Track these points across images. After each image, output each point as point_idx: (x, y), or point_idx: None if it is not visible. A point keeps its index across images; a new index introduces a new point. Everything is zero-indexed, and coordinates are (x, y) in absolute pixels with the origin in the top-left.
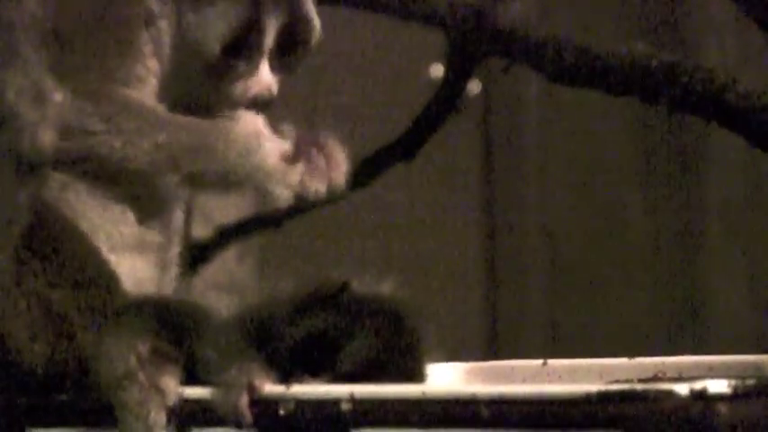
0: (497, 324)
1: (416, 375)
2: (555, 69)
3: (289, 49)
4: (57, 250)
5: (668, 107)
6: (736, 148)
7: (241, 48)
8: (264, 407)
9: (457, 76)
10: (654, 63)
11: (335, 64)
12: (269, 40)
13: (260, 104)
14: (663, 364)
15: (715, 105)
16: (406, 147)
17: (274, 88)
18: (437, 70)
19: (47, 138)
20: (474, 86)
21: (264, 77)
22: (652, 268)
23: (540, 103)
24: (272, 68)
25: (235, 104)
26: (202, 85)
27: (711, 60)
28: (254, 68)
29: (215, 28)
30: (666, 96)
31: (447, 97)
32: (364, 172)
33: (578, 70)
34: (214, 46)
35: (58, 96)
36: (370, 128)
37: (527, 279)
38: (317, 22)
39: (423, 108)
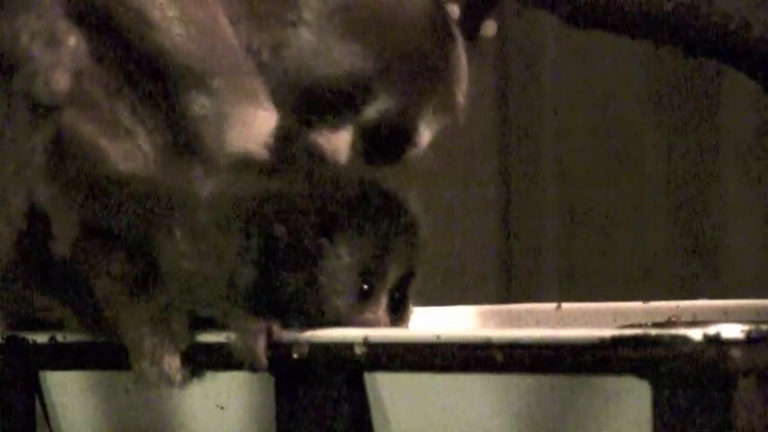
0: (511, 267)
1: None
2: (569, 11)
3: (383, 152)
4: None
5: (682, 50)
6: (751, 89)
7: (341, 96)
8: (278, 351)
9: (472, 18)
10: (668, 6)
11: None
12: (368, 111)
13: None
14: (677, 308)
15: (729, 49)
16: None
17: (341, 156)
18: (452, 11)
19: (61, 81)
20: (489, 28)
21: (339, 138)
22: (667, 211)
23: (557, 46)
24: (353, 144)
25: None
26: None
27: (726, 4)
28: (337, 125)
29: (327, 61)
30: (681, 39)
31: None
32: None
33: (592, 12)
34: (319, 75)
35: (72, 40)
36: None
37: (541, 222)
38: (417, 150)
39: None
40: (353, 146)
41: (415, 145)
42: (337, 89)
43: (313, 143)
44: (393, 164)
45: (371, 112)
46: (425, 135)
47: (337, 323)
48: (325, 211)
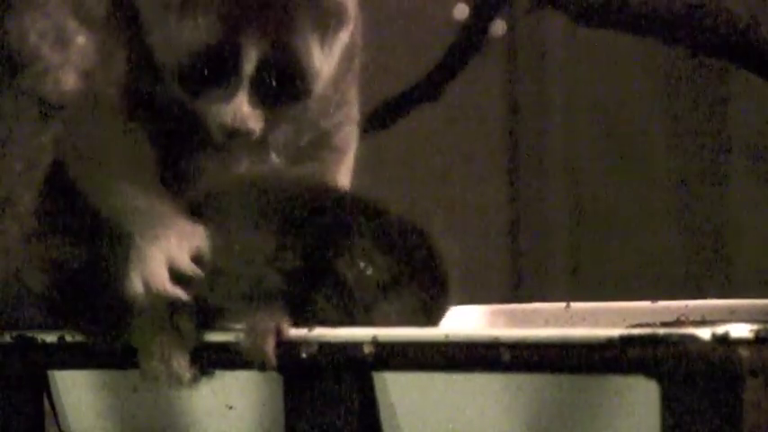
0: (520, 266)
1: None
2: (578, 9)
3: (282, 93)
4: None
5: (691, 49)
6: (760, 88)
7: (214, 69)
8: (287, 350)
9: (481, 17)
10: (677, 5)
11: (360, 5)
12: (247, 67)
13: (237, 136)
14: (686, 307)
15: (737, 47)
16: (430, 88)
17: (253, 123)
18: (462, 11)
19: (69, 80)
20: (498, 28)
21: (240, 108)
22: (675, 211)
23: (565, 44)
24: (255, 103)
25: (211, 132)
26: (178, 105)
27: (734, 2)
28: (229, 96)
29: (185, 41)
30: (689, 38)
31: (471, 38)
32: (389, 113)
33: (601, 11)
34: (181, 59)
35: (80, 39)
36: (395, 69)
37: (550, 221)
38: (314, 74)
39: (447, 49)
40: (254, 104)
41: (310, 69)
42: (209, 61)
43: (221, 121)
44: (298, 99)
45: (250, 66)
46: (316, 58)
47: None
48: (392, 266)
